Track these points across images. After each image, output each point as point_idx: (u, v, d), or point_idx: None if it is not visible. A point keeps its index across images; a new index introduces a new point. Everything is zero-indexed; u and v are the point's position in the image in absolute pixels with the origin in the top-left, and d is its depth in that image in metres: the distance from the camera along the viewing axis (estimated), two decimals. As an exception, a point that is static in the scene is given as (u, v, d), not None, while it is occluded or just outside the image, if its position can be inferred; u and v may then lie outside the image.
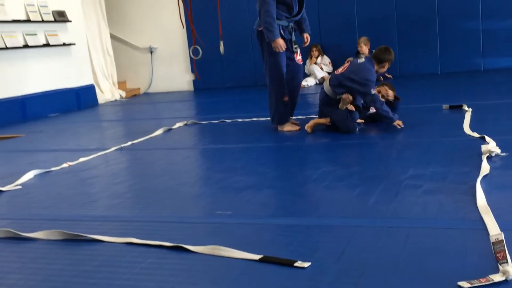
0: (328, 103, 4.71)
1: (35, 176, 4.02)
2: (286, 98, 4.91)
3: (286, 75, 4.93)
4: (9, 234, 2.69)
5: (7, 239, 2.67)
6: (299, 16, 4.89)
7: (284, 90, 4.90)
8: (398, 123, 4.48)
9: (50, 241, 2.59)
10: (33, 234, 2.66)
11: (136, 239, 2.48)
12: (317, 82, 8.90)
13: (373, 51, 4.91)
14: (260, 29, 4.83)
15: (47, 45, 8.11)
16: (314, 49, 8.97)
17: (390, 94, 4.85)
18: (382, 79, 7.71)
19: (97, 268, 2.23)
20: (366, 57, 4.70)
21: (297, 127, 4.95)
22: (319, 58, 9.04)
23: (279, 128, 5.02)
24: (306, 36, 5.06)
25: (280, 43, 4.70)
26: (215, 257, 2.23)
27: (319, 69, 8.97)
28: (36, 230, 2.70)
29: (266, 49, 4.85)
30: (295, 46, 4.94)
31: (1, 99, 7.39)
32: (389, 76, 8.37)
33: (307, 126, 4.75)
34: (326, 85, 4.77)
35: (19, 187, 3.73)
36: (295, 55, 4.95)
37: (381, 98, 4.62)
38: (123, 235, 2.55)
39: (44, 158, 4.71)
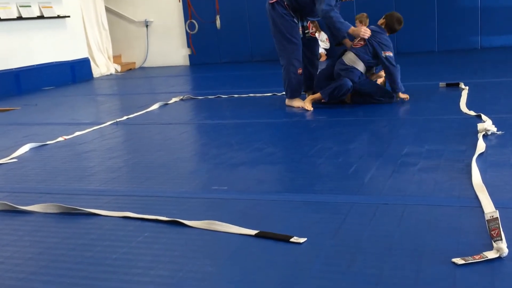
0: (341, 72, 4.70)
1: (31, 149, 4.01)
2: (300, 71, 4.85)
3: (303, 51, 4.93)
4: (5, 207, 2.70)
5: (3, 212, 2.67)
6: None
7: (296, 63, 4.83)
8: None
9: (47, 214, 2.60)
10: (29, 207, 2.66)
11: (132, 213, 2.49)
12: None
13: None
14: (271, 1, 4.77)
15: (41, 17, 8.02)
16: (312, 25, 8.88)
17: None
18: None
19: (93, 241, 2.23)
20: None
21: (307, 105, 4.77)
22: (317, 34, 8.95)
23: (287, 102, 4.94)
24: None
25: (358, 28, 4.81)
26: (211, 232, 2.24)
27: (317, 45, 8.91)
28: (32, 203, 2.70)
29: (277, 22, 4.80)
30: (307, 31, 5.01)
31: (-5, 72, 7.35)
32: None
33: (307, 105, 4.71)
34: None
35: (15, 160, 3.73)
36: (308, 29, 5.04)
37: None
38: (120, 209, 2.56)
39: (40, 131, 4.69)
